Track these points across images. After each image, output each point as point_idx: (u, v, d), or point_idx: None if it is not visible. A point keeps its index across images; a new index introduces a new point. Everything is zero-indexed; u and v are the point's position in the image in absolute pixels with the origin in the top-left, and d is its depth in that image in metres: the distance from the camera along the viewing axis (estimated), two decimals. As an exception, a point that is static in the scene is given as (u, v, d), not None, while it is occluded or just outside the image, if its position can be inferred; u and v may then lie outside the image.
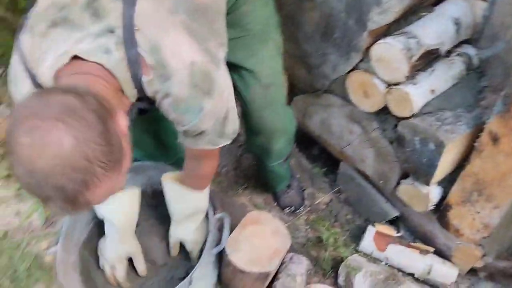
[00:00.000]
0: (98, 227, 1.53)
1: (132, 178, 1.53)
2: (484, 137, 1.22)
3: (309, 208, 1.87)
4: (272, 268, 1.37)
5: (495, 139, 1.19)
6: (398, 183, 1.55)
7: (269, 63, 1.32)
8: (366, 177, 1.74)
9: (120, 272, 1.38)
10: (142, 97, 0.94)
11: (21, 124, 0.72)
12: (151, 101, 0.96)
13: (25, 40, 0.91)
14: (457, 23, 1.33)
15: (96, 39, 0.85)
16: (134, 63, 0.87)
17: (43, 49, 0.88)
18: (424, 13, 1.37)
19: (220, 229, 1.38)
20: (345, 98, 1.55)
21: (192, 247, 1.41)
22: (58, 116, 0.71)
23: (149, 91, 0.91)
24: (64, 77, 0.85)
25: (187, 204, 1.32)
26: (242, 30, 1.23)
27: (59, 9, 0.89)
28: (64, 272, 1.31)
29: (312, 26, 1.48)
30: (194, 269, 1.23)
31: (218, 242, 1.35)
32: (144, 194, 1.44)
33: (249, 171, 1.97)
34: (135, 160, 1.55)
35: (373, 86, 1.38)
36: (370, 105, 1.44)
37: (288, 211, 1.84)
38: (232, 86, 1.06)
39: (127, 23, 0.86)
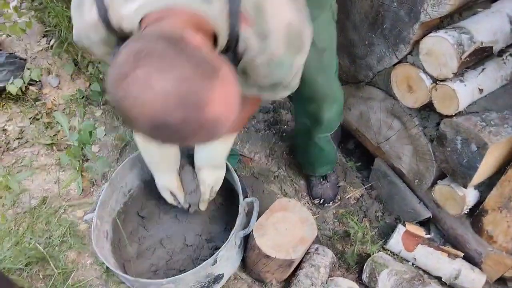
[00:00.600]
0: (134, 200, 1.58)
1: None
2: (532, 142, 1.18)
3: (339, 202, 1.85)
4: (296, 256, 1.37)
5: (543, 145, 1.14)
6: (433, 184, 1.52)
7: (325, 28, 1.33)
8: (400, 175, 1.71)
9: (169, 199, 1.45)
10: (228, 51, 0.93)
11: (130, 68, 0.69)
12: (235, 57, 0.96)
13: None
14: (514, 22, 1.27)
15: None
16: (234, 17, 0.87)
17: None
18: (480, 9, 1.31)
19: (249, 213, 1.39)
20: (388, 91, 1.52)
21: (205, 190, 1.42)
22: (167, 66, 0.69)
23: (241, 46, 0.92)
24: (165, 22, 0.81)
25: (212, 152, 1.35)
26: None
27: None
28: (97, 239, 1.35)
29: (362, 15, 1.45)
30: (220, 249, 1.25)
31: (246, 225, 1.36)
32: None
33: (281, 159, 1.97)
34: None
35: (419, 81, 1.34)
36: (413, 101, 1.40)
37: (317, 202, 1.83)
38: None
39: None
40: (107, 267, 1.50)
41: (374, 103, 1.62)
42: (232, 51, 0.93)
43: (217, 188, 1.43)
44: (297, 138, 1.81)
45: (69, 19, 2.02)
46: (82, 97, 2.09)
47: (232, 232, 1.27)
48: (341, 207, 1.83)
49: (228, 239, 1.26)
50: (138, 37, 0.76)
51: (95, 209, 1.38)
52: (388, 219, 1.78)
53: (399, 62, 1.40)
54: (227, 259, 1.33)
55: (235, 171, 1.45)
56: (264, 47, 0.91)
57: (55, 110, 2.07)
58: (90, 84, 2.12)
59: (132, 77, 0.69)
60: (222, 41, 0.90)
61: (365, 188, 1.88)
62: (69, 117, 2.03)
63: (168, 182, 1.42)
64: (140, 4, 0.84)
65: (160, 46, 0.71)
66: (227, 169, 1.44)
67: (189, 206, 1.45)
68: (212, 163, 1.40)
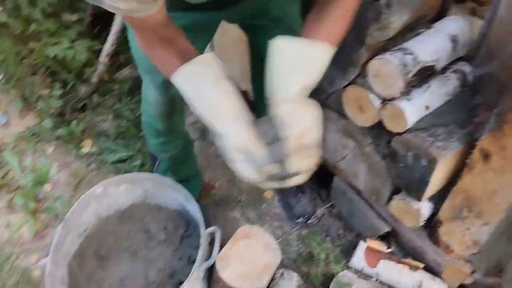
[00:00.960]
0: (90, 239, 1.53)
1: (128, 190, 1.54)
2: (476, 154, 1.24)
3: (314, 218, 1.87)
4: (262, 284, 1.36)
5: (486, 156, 1.21)
6: (390, 199, 1.56)
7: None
8: (358, 192, 1.75)
9: (244, 167, 0.87)
10: None
11: None
12: None
13: None
14: (454, 40, 1.35)
15: None
16: None
17: None
18: (422, 30, 1.39)
19: (212, 243, 1.38)
20: (341, 112, 1.57)
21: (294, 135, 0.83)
22: None
23: None
24: None
25: (306, 61, 0.86)
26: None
27: None
28: (52, 285, 1.29)
29: (309, 41, 1.51)
30: (182, 285, 1.22)
31: (210, 256, 1.34)
32: (139, 207, 1.43)
33: (243, 184, 1.97)
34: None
35: (369, 101, 1.39)
36: (364, 120, 1.45)
37: (301, 220, 1.84)
38: None
39: None
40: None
41: (329, 124, 1.66)
42: None
43: (315, 134, 0.85)
44: None
45: (17, 54, 1.96)
46: (32, 134, 2.01)
47: (195, 265, 1.25)
48: (303, 228, 1.84)
49: (191, 272, 1.23)
50: None
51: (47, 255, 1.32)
52: (350, 236, 1.81)
53: (350, 84, 1.45)
54: (191, 293, 1.30)
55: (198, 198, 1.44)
56: None
57: (4, 149, 1.98)
58: (41, 120, 2.06)
59: None
60: None
61: (326, 207, 1.91)
62: (19, 155, 1.95)
63: (239, 136, 0.83)
64: None
65: None
66: (189, 198, 1.42)
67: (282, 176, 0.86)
68: (301, 85, 0.85)
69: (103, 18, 2.28)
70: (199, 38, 1.16)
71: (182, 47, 0.95)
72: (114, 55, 2.17)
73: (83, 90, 2.29)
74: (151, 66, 1.01)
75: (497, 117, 1.14)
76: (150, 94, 1.38)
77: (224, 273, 1.32)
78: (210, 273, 1.44)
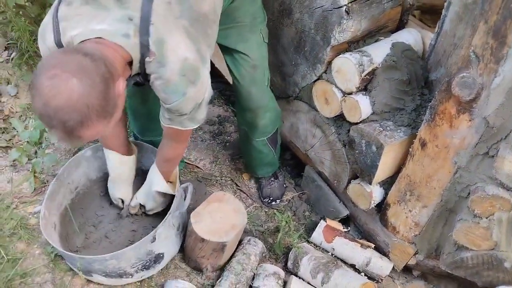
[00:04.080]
0: (81, 197, 1.74)
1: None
2: (416, 143, 1.46)
3: (286, 202, 2.08)
4: (228, 239, 1.57)
5: (423, 145, 1.43)
6: (348, 183, 1.78)
7: (257, 49, 1.61)
8: (325, 178, 1.97)
9: (119, 204, 1.76)
10: (140, 72, 1.21)
11: (47, 70, 0.99)
12: (146, 78, 1.22)
13: (63, 9, 1.16)
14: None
15: (117, 23, 1.12)
16: (144, 47, 1.14)
17: (75, 20, 1.14)
18: (381, 38, 1.62)
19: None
20: (311, 104, 1.79)
21: (135, 204, 1.73)
22: (74, 72, 0.99)
23: (147, 70, 1.18)
24: (88, 43, 1.11)
25: (154, 185, 1.61)
26: (234, 21, 1.52)
27: None
28: (45, 226, 1.50)
29: (289, 39, 1.74)
30: (157, 226, 1.44)
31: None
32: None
33: (224, 166, 2.19)
34: (135, 136, 1.86)
35: (333, 94, 1.62)
36: (329, 111, 1.67)
37: (266, 201, 2.05)
38: (209, 82, 1.30)
39: (144, 16, 1.12)
40: (55, 256, 1.64)
41: (301, 115, 1.89)
42: (142, 75, 1.22)
43: (149, 207, 1.70)
44: (240, 144, 2.06)
45: (31, 33, 2.19)
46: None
47: (169, 212, 1.46)
48: (271, 207, 2.06)
49: (165, 218, 1.45)
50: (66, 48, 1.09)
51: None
52: (315, 218, 2.02)
53: (318, 79, 1.68)
54: (165, 238, 1.51)
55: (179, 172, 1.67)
56: (161, 73, 1.17)
57: (12, 117, 2.21)
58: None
59: (50, 74, 0.98)
60: (135, 66, 1.18)
61: (298, 194, 2.12)
62: (25, 123, 2.17)
63: (123, 194, 1.73)
64: (79, 32, 1.12)
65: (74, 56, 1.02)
66: None
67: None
68: (148, 187, 1.65)
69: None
70: None
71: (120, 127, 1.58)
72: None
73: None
74: None
75: (430, 110, 1.36)
76: None
77: (197, 226, 1.53)
78: (185, 231, 1.65)
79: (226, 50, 1.61)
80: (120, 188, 1.71)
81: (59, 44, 1.15)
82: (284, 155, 2.33)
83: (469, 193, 1.40)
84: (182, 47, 1.17)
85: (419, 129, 1.45)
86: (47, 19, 1.19)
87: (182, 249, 1.71)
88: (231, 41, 1.57)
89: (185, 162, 2.13)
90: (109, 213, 1.77)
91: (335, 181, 1.85)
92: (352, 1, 1.44)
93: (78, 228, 1.68)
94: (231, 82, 1.73)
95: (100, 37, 1.11)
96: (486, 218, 1.36)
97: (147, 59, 1.15)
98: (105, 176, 1.76)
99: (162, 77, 1.18)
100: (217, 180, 2.11)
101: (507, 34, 1.05)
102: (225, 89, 2.47)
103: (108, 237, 1.70)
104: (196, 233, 1.53)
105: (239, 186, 2.11)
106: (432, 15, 1.85)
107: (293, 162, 2.28)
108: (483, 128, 1.24)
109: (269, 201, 2.06)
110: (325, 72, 1.64)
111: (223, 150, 2.26)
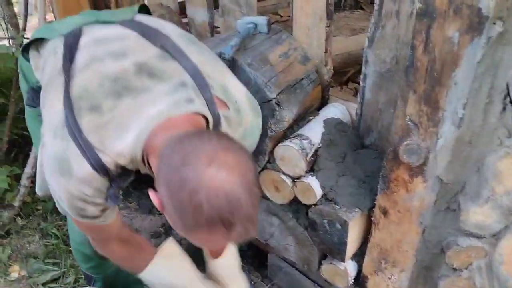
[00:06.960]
0: None
1: None
2: (377, 211, 1.46)
3: None
4: None
5: (384, 212, 1.43)
6: (320, 265, 1.71)
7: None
8: (292, 264, 1.88)
9: None
10: None
11: (211, 161, 0.78)
12: None
13: (88, 123, 0.92)
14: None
15: (172, 95, 0.94)
16: (211, 103, 1.00)
17: (116, 124, 0.92)
18: (311, 117, 1.65)
19: None
20: (261, 194, 1.74)
21: None
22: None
23: (223, 123, 1.03)
24: (159, 135, 0.89)
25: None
26: None
27: (114, 80, 0.95)
28: None
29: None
30: None
31: None
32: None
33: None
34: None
35: (282, 182, 1.59)
36: (282, 198, 1.64)
37: None
38: None
39: (193, 74, 0.99)
40: None
41: (253, 207, 1.82)
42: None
43: None
44: None
45: None
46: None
47: None
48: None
49: None
50: (180, 145, 0.82)
51: None
52: (293, 308, 1.90)
53: (263, 169, 1.65)
54: None
55: None
56: (241, 119, 1.06)
57: None
58: None
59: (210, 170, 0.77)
60: (211, 124, 1.01)
61: (269, 286, 2.00)
62: None
63: None
64: (137, 132, 0.91)
65: (214, 141, 0.81)
66: None
67: None
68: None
69: (18, 143, 2.33)
70: None
71: (138, 242, 1.26)
72: (35, 176, 2.20)
73: (5, 215, 2.26)
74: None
75: (384, 179, 1.38)
76: (78, 234, 1.46)
77: None
78: None
79: None
80: None
81: (101, 168, 0.91)
82: (240, 247, 2.22)
83: (441, 248, 1.40)
84: (237, 83, 1.09)
85: (376, 198, 1.45)
86: (58, 149, 0.92)
87: None
88: None
89: None
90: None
91: (305, 265, 1.77)
92: (279, 93, 1.46)
93: None
94: None
95: (166, 120, 0.91)
96: (466, 269, 1.36)
97: (222, 112, 1.00)
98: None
99: (241, 122, 1.06)
100: None
101: (439, 99, 1.10)
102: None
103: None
104: None
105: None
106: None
107: (252, 252, 2.18)
108: (438, 186, 1.27)
109: None
110: (268, 161, 1.61)
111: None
